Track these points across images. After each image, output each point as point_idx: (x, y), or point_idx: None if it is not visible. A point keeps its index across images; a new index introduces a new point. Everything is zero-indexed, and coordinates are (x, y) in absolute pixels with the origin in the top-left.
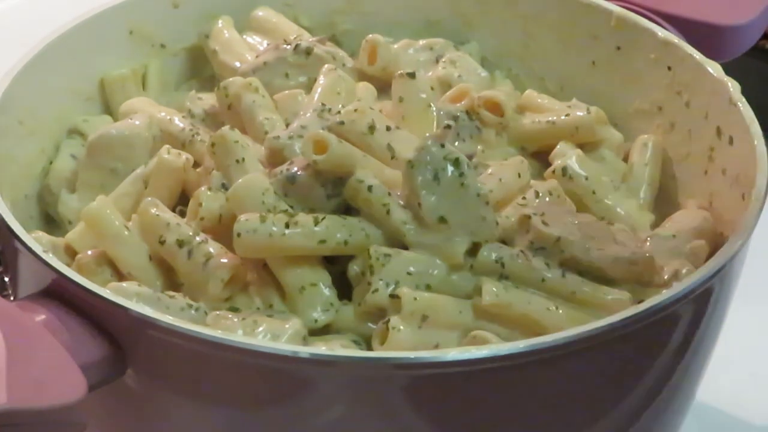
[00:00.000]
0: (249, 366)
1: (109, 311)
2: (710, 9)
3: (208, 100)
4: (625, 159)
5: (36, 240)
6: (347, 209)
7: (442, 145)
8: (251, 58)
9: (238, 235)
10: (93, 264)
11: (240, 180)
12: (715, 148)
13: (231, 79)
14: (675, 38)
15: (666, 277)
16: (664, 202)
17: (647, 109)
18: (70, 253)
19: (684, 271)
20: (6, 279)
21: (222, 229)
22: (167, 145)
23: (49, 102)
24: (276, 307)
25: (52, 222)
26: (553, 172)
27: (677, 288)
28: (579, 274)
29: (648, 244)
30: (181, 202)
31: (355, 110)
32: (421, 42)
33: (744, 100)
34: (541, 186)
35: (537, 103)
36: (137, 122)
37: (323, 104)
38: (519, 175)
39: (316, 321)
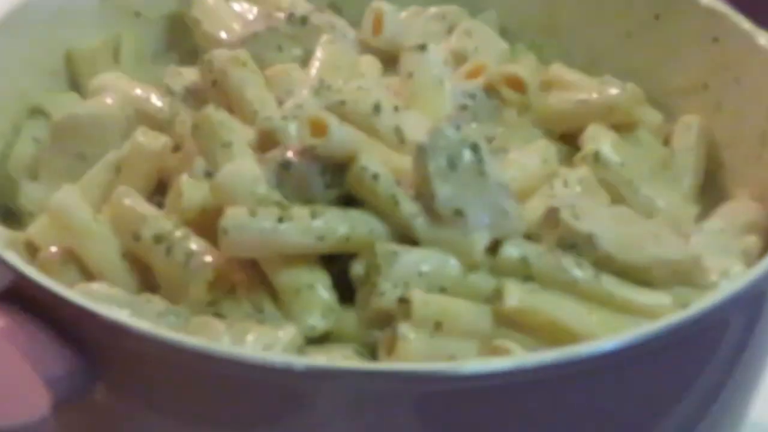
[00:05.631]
0: (237, 379)
1: (76, 317)
2: None
3: (190, 75)
4: (666, 143)
5: None
6: (349, 201)
7: (458, 128)
8: (239, 28)
9: (225, 231)
10: (58, 262)
11: (226, 167)
12: None
13: (216, 51)
14: (721, 5)
15: (714, 278)
16: (710, 193)
17: (690, 86)
18: (32, 251)
19: (734, 270)
20: None
21: (206, 223)
22: (143, 127)
23: (8, 78)
24: (267, 312)
25: (11, 215)
26: (584, 158)
27: (727, 290)
28: (615, 275)
29: (693, 240)
30: (158, 192)
31: (359, 88)
32: (432, 10)
33: None
34: (571, 174)
35: (565, 79)
36: (109, 101)
37: (321, 81)
38: (545, 162)
39: (313, 328)
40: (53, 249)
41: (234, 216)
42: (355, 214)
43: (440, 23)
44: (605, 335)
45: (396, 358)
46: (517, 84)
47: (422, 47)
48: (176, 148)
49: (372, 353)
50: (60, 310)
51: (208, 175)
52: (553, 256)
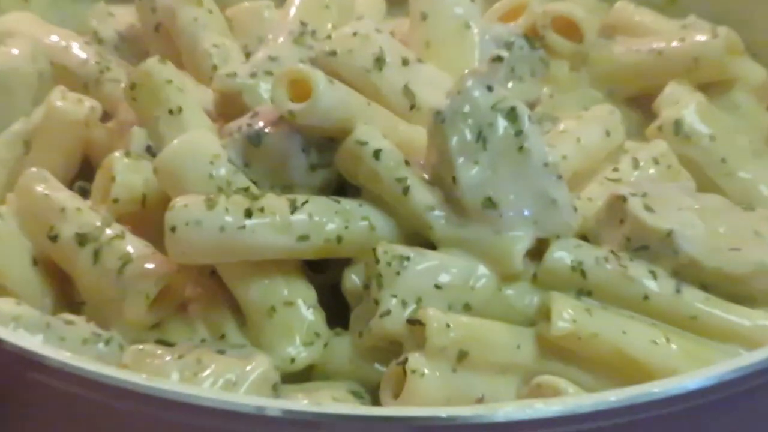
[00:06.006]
0: (190, 428)
1: None
2: None
3: (125, 17)
4: None
5: None
6: (341, 187)
7: (489, 88)
8: None
9: (173, 228)
10: None
11: (175, 141)
12: None
13: None
14: None
15: None
16: None
17: None
18: None
19: None
20: None
21: (147, 218)
22: (61, 86)
23: None
24: (231, 338)
25: None
26: (661, 128)
27: None
28: (702, 288)
29: None
30: (83, 175)
31: (354, 34)
32: None
33: None
34: (643, 150)
35: (634, 21)
36: (15, 51)
37: (304, 24)
38: (607, 134)
39: (293, 360)
40: None
41: (185, 208)
42: (349, 206)
43: None
44: (688, 369)
45: (405, 401)
46: (569, 28)
47: None
48: (106, 115)
49: (372, 394)
50: None
51: (150, 152)
52: (617, 263)
